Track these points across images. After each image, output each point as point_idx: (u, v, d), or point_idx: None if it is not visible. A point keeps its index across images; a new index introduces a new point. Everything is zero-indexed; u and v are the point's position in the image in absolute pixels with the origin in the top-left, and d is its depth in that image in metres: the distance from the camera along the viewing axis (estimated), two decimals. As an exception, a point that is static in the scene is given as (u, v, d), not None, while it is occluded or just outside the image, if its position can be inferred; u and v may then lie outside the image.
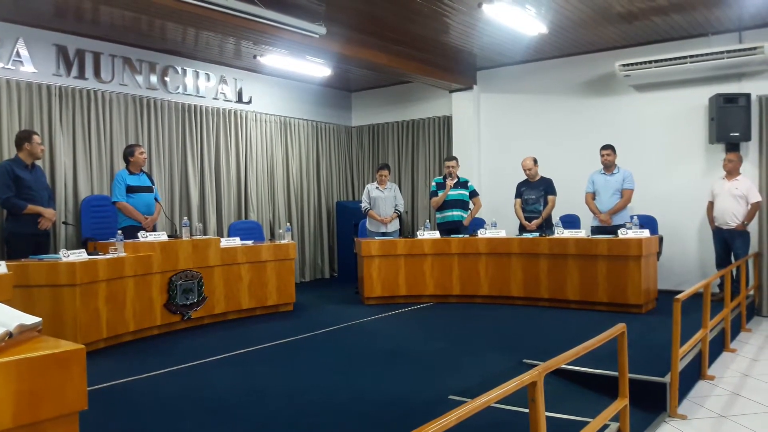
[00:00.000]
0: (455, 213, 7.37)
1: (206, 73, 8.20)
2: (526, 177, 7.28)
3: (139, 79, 7.41)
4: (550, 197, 7.13)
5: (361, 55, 7.21)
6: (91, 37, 6.89)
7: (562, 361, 2.55)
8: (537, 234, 6.85)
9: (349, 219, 9.24)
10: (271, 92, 9.08)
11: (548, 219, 7.09)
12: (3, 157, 6.04)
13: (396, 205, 7.71)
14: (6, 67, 6.25)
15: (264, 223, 8.69)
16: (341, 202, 9.89)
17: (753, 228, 6.84)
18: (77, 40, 6.80)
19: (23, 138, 5.53)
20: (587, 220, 7.22)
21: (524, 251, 6.70)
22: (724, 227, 6.62)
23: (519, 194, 7.33)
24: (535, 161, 7.23)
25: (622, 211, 6.80)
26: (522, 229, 7.19)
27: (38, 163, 5.77)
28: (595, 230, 6.87)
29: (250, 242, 6.70)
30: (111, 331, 5.12)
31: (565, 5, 6.22)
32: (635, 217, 6.57)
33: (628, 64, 7.28)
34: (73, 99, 6.78)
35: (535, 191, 7.18)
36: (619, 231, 6.38)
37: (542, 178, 7.23)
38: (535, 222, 7.09)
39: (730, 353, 5.25)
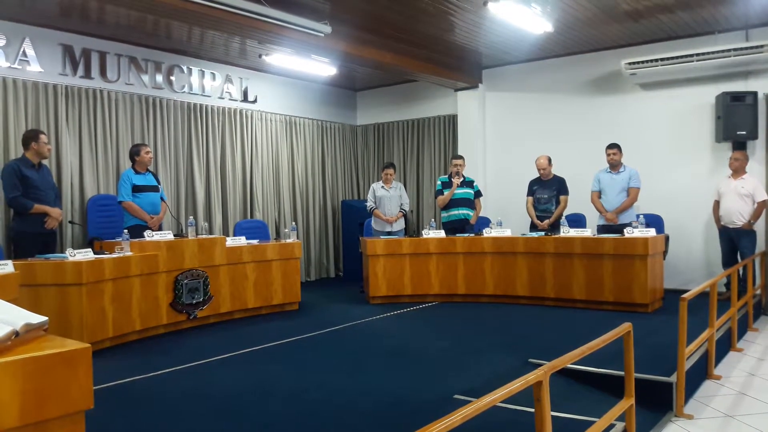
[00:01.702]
0: (461, 212, 7.36)
1: (212, 73, 8.21)
2: (538, 175, 7.27)
3: (145, 78, 7.43)
4: (562, 197, 7.11)
5: (366, 54, 7.20)
6: (97, 36, 6.91)
7: (568, 360, 2.54)
8: (543, 233, 6.84)
9: (354, 218, 9.23)
10: (276, 91, 9.09)
11: (557, 218, 7.06)
12: (10, 156, 6.07)
13: (401, 204, 7.71)
14: (12, 66, 6.28)
15: (269, 223, 8.71)
16: (346, 201, 9.89)
17: (759, 227, 6.81)
18: (83, 40, 6.82)
19: (30, 137, 5.55)
20: (593, 219, 7.19)
21: (530, 250, 6.68)
22: (731, 226, 6.59)
23: (531, 192, 7.31)
24: (550, 160, 7.21)
25: (628, 210, 6.78)
26: (534, 227, 7.17)
27: (45, 162, 5.79)
28: (601, 229, 6.84)
29: (255, 241, 6.71)
30: (117, 331, 5.14)
31: (571, 3, 6.21)
32: (641, 216, 6.54)
33: (634, 63, 7.25)
34: (79, 98, 6.80)
35: (547, 191, 7.16)
36: (625, 230, 6.35)
37: (555, 177, 7.21)
38: (547, 221, 7.08)
39: (736, 353, 5.22)
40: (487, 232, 7.02)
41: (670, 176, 7.52)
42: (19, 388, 1.61)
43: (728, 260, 6.68)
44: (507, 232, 6.95)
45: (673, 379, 3.77)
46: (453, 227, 7.33)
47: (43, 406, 1.67)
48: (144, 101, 7.40)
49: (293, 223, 8.28)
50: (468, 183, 7.43)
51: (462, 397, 3.64)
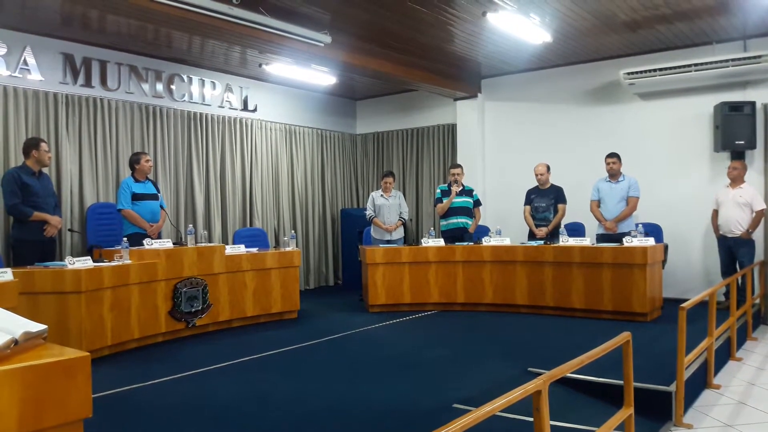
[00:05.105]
0: (460, 220, 7.36)
1: (212, 81, 8.24)
2: (536, 184, 7.28)
3: (145, 87, 7.45)
4: (560, 205, 7.12)
5: (366, 63, 7.24)
6: (98, 45, 6.94)
7: (567, 369, 2.54)
8: (541, 242, 6.84)
9: (353, 226, 9.24)
10: (276, 100, 9.12)
11: (555, 227, 7.07)
12: (10, 164, 6.08)
13: (400, 212, 7.71)
14: (13, 75, 6.30)
15: (269, 231, 8.70)
16: (346, 210, 9.90)
17: (758, 236, 6.82)
18: (84, 49, 6.85)
19: (31, 145, 5.56)
20: (592, 228, 7.20)
21: (529, 259, 6.68)
22: (729, 235, 6.60)
23: (528, 201, 7.31)
24: (548, 168, 7.23)
25: (627, 219, 6.79)
26: (532, 236, 7.18)
27: (45, 170, 5.80)
28: (600, 238, 6.85)
29: (254, 250, 6.72)
30: (116, 339, 5.13)
31: (569, 14, 6.24)
32: (640, 225, 6.55)
33: (632, 73, 7.28)
34: (80, 107, 6.82)
35: (545, 199, 7.17)
36: (624, 239, 6.36)
37: (553, 185, 7.22)
38: (545, 230, 7.08)
39: (735, 362, 5.22)
40: (486, 241, 7.02)
41: (669, 185, 7.53)
42: (18, 397, 1.62)
43: (727, 269, 6.68)
44: (506, 241, 6.95)
45: (672, 388, 3.77)
46: (452, 236, 7.33)
47: (41, 414, 1.67)
48: (144, 110, 7.41)
49: (293, 231, 8.29)
50: (467, 192, 7.44)
51: (461, 406, 3.63)
